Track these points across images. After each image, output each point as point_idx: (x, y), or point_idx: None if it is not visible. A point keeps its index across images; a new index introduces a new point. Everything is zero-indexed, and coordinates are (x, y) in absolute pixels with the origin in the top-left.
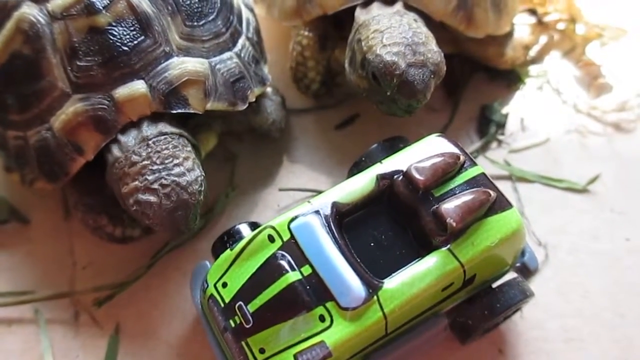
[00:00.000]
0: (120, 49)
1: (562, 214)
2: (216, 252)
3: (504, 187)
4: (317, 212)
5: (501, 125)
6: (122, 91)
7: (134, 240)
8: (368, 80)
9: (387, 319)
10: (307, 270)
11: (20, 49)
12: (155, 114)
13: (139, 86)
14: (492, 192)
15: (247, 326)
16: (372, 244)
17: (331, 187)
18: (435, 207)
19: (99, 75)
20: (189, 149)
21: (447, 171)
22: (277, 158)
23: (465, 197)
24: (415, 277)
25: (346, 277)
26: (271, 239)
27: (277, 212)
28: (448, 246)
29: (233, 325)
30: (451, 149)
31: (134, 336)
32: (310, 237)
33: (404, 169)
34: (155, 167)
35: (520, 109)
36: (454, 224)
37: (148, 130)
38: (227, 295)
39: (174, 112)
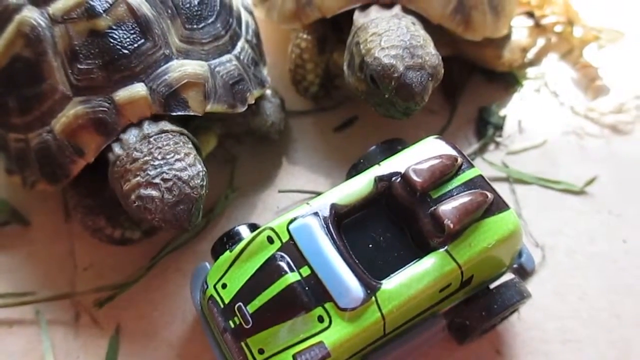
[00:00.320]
0: (121, 52)
1: (559, 216)
2: (216, 253)
3: (502, 188)
4: (315, 213)
5: (499, 127)
6: (122, 94)
7: (134, 242)
8: (366, 83)
9: (385, 320)
10: (306, 271)
11: (21, 52)
12: (156, 114)
13: (139, 89)
14: (489, 194)
15: (247, 327)
16: (370, 245)
17: (330, 188)
18: (433, 208)
19: (99, 78)
20: (190, 145)
21: (445, 173)
22: (277, 160)
23: (463, 199)
24: (413, 278)
25: (345, 278)
26: (270, 240)
27: (276, 213)
28: (446, 247)
29: (233, 325)
30: (449, 151)
31: (135, 337)
32: (309, 239)
33: (402, 171)
34: (156, 162)
35: (517, 111)
36: (452, 226)
37: (149, 128)
38: (227, 296)
39: (174, 114)
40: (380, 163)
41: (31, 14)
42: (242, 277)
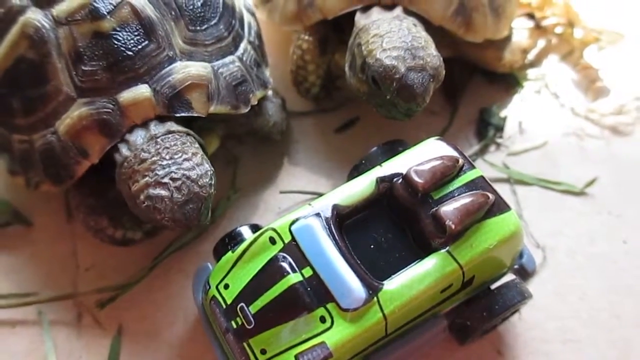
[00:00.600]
0: (125, 54)
1: (559, 217)
2: (218, 254)
3: (503, 189)
4: (317, 214)
5: (499, 129)
6: (126, 95)
7: (135, 243)
8: (368, 84)
9: (387, 320)
10: (308, 272)
11: (25, 53)
12: (162, 115)
13: (143, 90)
14: (490, 195)
15: (249, 327)
16: (372, 246)
17: (331, 189)
18: (434, 209)
19: (103, 80)
20: (197, 145)
21: (446, 174)
22: (278, 161)
23: (464, 200)
24: (414, 279)
25: (347, 279)
26: (272, 241)
27: (278, 214)
28: (447, 248)
29: (235, 326)
30: (450, 152)
31: (137, 337)
32: (311, 239)
33: (404, 172)
34: (164, 162)
35: (518, 112)
36: (453, 226)
37: (156, 129)
38: (229, 296)
39: (178, 115)
40: (382, 164)
41: (35, 16)
42: (245, 277)
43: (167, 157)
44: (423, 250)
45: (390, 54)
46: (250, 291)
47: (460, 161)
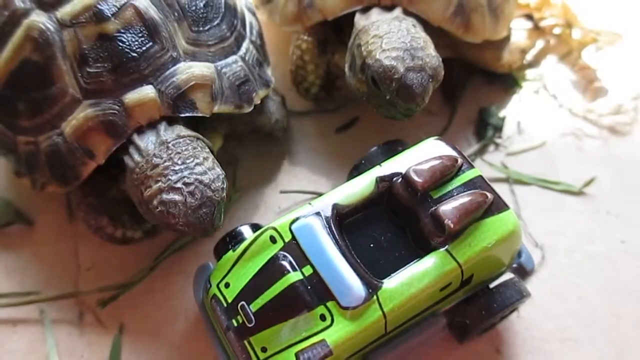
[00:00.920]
0: (129, 55)
1: (558, 216)
2: (219, 253)
3: (501, 189)
4: (318, 213)
5: (498, 129)
6: (131, 96)
7: (135, 242)
8: (367, 85)
9: (387, 318)
10: (308, 270)
11: (30, 56)
12: (171, 118)
13: (148, 91)
14: (489, 194)
15: (250, 325)
16: (371, 245)
17: (331, 189)
18: (433, 208)
19: (108, 81)
20: (207, 150)
21: (445, 174)
22: (278, 161)
23: (463, 199)
24: (414, 277)
25: (346, 277)
26: (273, 240)
27: (279, 214)
28: (446, 247)
29: (235, 324)
30: (449, 151)
31: (138, 336)
32: (311, 238)
33: (403, 172)
34: (177, 167)
35: (517, 112)
36: (452, 226)
37: (166, 134)
38: (230, 295)
39: (182, 115)
40: (382, 164)
41: (39, 19)
42: (245, 276)
43: (179, 162)
44: (422, 249)
45: (389, 54)
46: (251, 290)
47: (459, 161)
